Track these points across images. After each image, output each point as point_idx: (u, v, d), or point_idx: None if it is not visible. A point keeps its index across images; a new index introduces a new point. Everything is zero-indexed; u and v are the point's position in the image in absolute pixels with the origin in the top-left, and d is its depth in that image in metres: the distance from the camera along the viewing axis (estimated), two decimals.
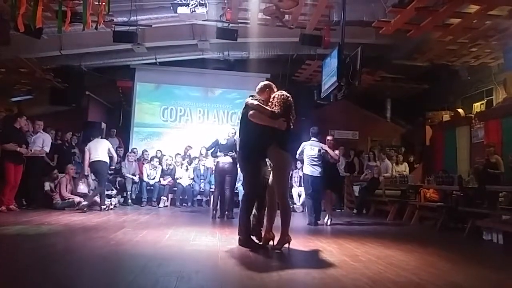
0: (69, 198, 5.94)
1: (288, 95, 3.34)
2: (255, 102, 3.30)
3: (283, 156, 3.22)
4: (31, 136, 5.99)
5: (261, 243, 3.28)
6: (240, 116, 3.54)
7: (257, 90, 3.50)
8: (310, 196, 5.29)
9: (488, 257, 3.76)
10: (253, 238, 3.35)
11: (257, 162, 3.32)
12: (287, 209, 3.28)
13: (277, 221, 3.29)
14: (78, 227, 4.21)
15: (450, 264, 3.04)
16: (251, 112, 3.24)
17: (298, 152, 5.31)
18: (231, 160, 5.57)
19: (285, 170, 3.25)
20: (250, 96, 3.48)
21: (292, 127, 3.32)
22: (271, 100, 3.33)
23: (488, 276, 2.81)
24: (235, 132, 5.48)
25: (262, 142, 3.23)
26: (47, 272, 2.28)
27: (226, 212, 5.59)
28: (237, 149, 3.61)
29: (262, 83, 3.53)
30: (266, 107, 3.28)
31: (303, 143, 5.34)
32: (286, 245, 3.20)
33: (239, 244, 3.27)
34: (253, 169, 3.31)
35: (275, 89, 3.47)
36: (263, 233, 3.33)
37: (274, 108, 3.24)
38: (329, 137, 5.56)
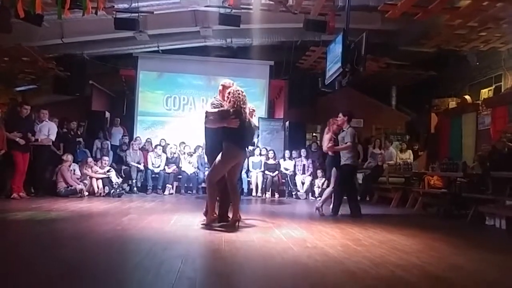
0: (71, 186, 6.04)
1: (240, 90, 3.51)
2: (207, 109, 3.57)
3: (229, 149, 3.43)
4: (37, 125, 6.06)
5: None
6: None
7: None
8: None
9: (490, 241, 3.78)
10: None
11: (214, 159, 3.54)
12: (209, 191, 3.60)
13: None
14: (85, 214, 4.29)
15: (452, 248, 3.07)
16: (204, 121, 3.52)
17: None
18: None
19: (223, 160, 3.44)
20: (213, 97, 3.82)
21: (249, 120, 3.54)
22: (226, 95, 3.53)
23: (489, 258, 2.82)
24: None
25: (216, 142, 3.52)
26: (57, 255, 2.34)
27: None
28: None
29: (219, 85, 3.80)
30: (214, 110, 3.52)
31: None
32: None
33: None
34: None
35: (232, 85, 3.67)
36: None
37: (228, 105, 3.44)
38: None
